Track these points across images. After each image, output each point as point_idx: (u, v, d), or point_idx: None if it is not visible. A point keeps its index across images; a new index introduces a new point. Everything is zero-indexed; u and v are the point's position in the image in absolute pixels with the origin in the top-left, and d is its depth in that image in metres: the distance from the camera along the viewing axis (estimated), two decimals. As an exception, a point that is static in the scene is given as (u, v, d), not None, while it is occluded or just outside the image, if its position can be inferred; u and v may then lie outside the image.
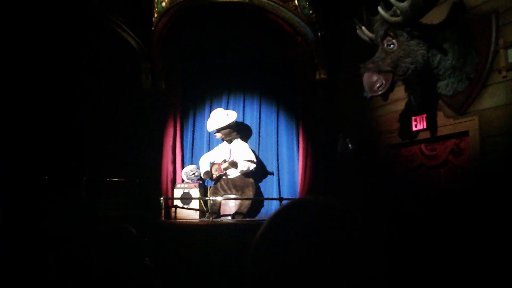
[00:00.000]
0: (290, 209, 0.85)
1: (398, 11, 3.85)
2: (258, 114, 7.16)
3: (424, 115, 4.63)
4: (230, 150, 6.66)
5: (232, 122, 6.68)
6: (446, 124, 4.47)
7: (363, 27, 4.38)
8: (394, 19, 3.90)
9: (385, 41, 4.09)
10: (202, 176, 6.71)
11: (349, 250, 0.76)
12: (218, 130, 6.63)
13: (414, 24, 3.98)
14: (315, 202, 0.84)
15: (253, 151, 6.73)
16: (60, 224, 5.05)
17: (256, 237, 0.84)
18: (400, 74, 4.01)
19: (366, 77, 4.06)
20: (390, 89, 4.05)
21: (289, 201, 0.91)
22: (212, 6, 6.34)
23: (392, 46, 4.04)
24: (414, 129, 4.75)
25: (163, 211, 6.16)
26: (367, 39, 4.48)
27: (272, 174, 6.91)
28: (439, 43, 4.03)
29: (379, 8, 3.92)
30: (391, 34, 4.04)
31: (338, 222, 0.80)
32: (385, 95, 4.10)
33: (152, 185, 6.66)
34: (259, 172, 6.83)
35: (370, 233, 0.81)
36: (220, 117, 6.66)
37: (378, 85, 3.99)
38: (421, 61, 4.01)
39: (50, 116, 6.06)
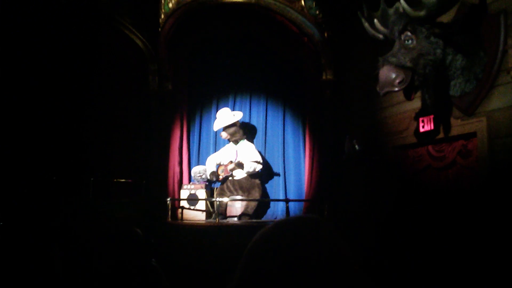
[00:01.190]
0: (274, 230, 0.87)
1: (422, 6, 3.76)
2: (265, 115, 7.15)
3: (432, 116, 4.59)
4: (237, 151, 6.65)
5: (238, 121, 6.67)
6: (454, 125, 4.43)
7: (376, 21, 4.30)
8: (416, 13, 3.82)
9: (402, 36, 4.02)
10: (208, 177, 6.71)
11: (326, 262, 0.78)
12: (224, 129, 6.63)
13: (433, 21, 3.93)
14: (296, 222, 0.87)
15: (259, 152, 6.72)
16: (68, 225, 5.06)
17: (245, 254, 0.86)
18: (419, 71, 3.94)
19: (384, 71, 3.97)
20: (412, 87, 3.98)
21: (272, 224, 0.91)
22: (218, 7, 6.35)
23: (410, 42, 3.97)
24: (421, 130, 4.70)
25: (169, 212, 6.16)
26: (377, 34, 4.41)
27: (278, 175, 6.89)
28: (454, 42, 3.99)
29: (402, 1, 3.84)
30: (410, 29, 3.97)
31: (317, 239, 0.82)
32: (409, 93, 4.03)
33: (158, 186, 6.65)
34: (266, 173, 6.81)
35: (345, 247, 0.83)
36: (226, 116, 6.67)
37: (398, 80, 3.91)
38: (438, 60, 3.96)
39: (57, 117, 6.07)
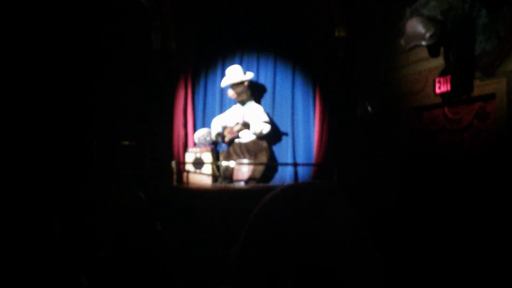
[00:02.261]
0: (276, 197, 0.82)
1: None
2: (273, 75, 6.90)
3: (449, 77, 4.39)
4: (243, 113, 6.48)
5: (247, 81, 6.47)
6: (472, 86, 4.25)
7: None
8: None
9: None
10: (213, 138, 6.57)
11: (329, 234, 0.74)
12: (232, 87, 6.43)
13: None
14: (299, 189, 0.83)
15: (268, 114, 6.54)
16: (71, 188, 5.01)
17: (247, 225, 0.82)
18: (449, 26, 3.71)
19: (413, 23, 3.74)
20: (440, 42, 3.77)
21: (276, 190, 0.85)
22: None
23: None
24: (437, 91, 4.51)
25: (174, 176, 6.08)
26: None
27: (286, 134, 6.73)
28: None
29: None
30: None
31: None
32: (437, 50, 3.82)
33: (163, 149, 6.56)
34: (273, 136, 6.65)
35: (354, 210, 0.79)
36: (236, 73, 6.45)
37: (430, 34, 3.69)
38: (465, 15, 3.73)
39: (59, 80, 5.94)
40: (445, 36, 3.82)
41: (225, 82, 6.52)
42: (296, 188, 0.84)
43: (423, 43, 3.74)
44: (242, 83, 6.43)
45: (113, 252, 2.81)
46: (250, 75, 6.53)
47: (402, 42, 3.88)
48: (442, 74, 4.42)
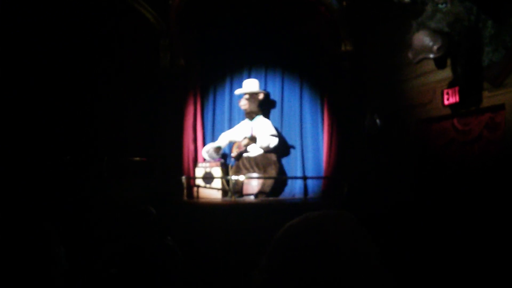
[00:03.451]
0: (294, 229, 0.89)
1: None
2: (281, 90, 6.95)
3: (457, 88, 4.38)
4: (252, 127, 6.51)
5: (263, 94, 6.57)
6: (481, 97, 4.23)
7: None
8: None
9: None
10: (213, 148, 6.59)
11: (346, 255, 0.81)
12: (246, 96, 6.50)
13: None
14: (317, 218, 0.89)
15: (276, 128, 6.56)
16: (82, 204, 5.04)
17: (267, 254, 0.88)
18: (456, 38, 3.72)
19: (420, 36, 3.75)
20: (447, 54, 3.78)
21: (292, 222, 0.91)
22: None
23: (444, 5, 3.74)
24: (446, 102, 4.49)
25: (185, 191, 6.09)
26: None
27: (294, 147, 6.73)
28: (487, 8, 3.75)
29: None
30: None
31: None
32: (443, 61, 3.83)
33: (173, 165, 6.59)
34: (282, 149, 6.66)
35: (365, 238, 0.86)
36: (254, 84, 6.59)
37: (437, 46, 3.69)
38: (472, 26, 3.75)
39: (70, 97, 6.02)
40: (452, 48, 3.83)
41: (241, 90, 6.60)
42: (317, 217, 0.89)
43: (431, 55, 3.75)
44: (257, 95, 6.51)
45: (124, 267, 2.83)
46: (265, 93, 6.67)
47: (410, 55, 3.88)
48: (450, 85, 4.41)
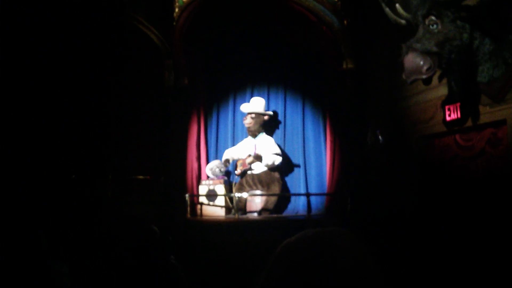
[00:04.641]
0: (293, 245, 0.89)
1: None
2: (283, 107, 7.02)
3: (458, 104, 4.40)
4: (255, 144, 6.54)
5: (268, 116, 6.64)
6: (482, 112, 4.26)
7: (397, 5, 4.14)
8: None
9: (426, 21, 3.87)
10: (221, 162, 6.65)
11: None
12: (252, 114, 6.56)
13: (458, 5, 3.77)
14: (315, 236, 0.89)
15: (279, 146, 6.60)
16: (87, 223, 5.05)
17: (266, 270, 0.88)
18: (445, 56, 3.79)
19: (410, 58, 3.82)
20: (434, 73, 3.85)
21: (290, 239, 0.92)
22: (233, -2, 6.23)
23: (435, 26, 3.82)
24: (448, 118, 4.51)
25: (188, 208, 6.10)
26: (399, 20, 4.25)
27: (298, 166, 6.75)
28: (482, 26, 3.81)
29: None
30: (435, 13, 3.82)
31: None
32: (430, 79, 3.88)
33: (177, 182, 6.60)
34: (285, 167, 6.68)
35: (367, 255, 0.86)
36: (260, 104, 6.65)
37: (426, 67, 3.76)
38: (464, 45, 3.80)
39: (73, 115, 6.07)
40: (446, 66, 3.89)
41: (247, 108, 6.65)
42: (315, 234, 0.89)
43: (423, 76, 3.82)
44: (263, 115, 6.56)
45: (127, 286, 2.83)
46: (271, 113, 6.73)
47: (404, 76, 3.96)
48: (451, 101, 4.44)
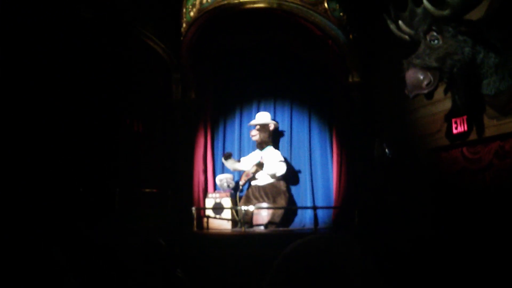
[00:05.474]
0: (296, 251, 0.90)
1: (447, 5, 3.67)
2: (290, 121, 7.04)
3: (465, 117, 4.40)
4: (262, 156, 6.56)
5: (273, 124, 6.69)
6: (489, 125, 4.26)
7: (401, 22, 4.18)
8: (440, 12, 3.72)
9: (428, 37, 3.91)
10: (229, 168, 6.75)
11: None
12: (258, 127, 6.61)
13: (459, 20, 3.80)
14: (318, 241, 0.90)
15: (285, 159, 6.60)
16: (94, 235, 5.05)
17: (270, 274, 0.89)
18: (446, 71, 3.82)
19: (411, 74, 3.87)
20: (435, 87, 3.88)
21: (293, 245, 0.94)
22: (240, 13, 6.29)
23: (436, 42, 3.86)
24: (454, 131, 4.51)
25: (195, 221, 6.10)
26: (403, 35, 4.29)
27: (304, 178, 6.74)
28: (485, 40, 3.83)
29: (425, 1, 3.76)
30: (435, 29, 3.86)
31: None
32: (431, 94, 3.91)
33: (184, 195, 6.62)
34: (291, 179, 6.68)
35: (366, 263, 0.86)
36: (265, 117, 6.74)
37: (426, 82, 3.80)
38: (466, 59, 3.82)
39: (82, 129, 6.12)
40: (448, 80, 3.91)
41: (253, 122, 6.73)
42: (316, 241, 0.90)
43: (424, 91, 3.85)
44: (267, 125, 6.61)
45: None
46: (276, 124, 6.79)
47: (406, 92, 4.00)
48: (458, 114, 4.44)
